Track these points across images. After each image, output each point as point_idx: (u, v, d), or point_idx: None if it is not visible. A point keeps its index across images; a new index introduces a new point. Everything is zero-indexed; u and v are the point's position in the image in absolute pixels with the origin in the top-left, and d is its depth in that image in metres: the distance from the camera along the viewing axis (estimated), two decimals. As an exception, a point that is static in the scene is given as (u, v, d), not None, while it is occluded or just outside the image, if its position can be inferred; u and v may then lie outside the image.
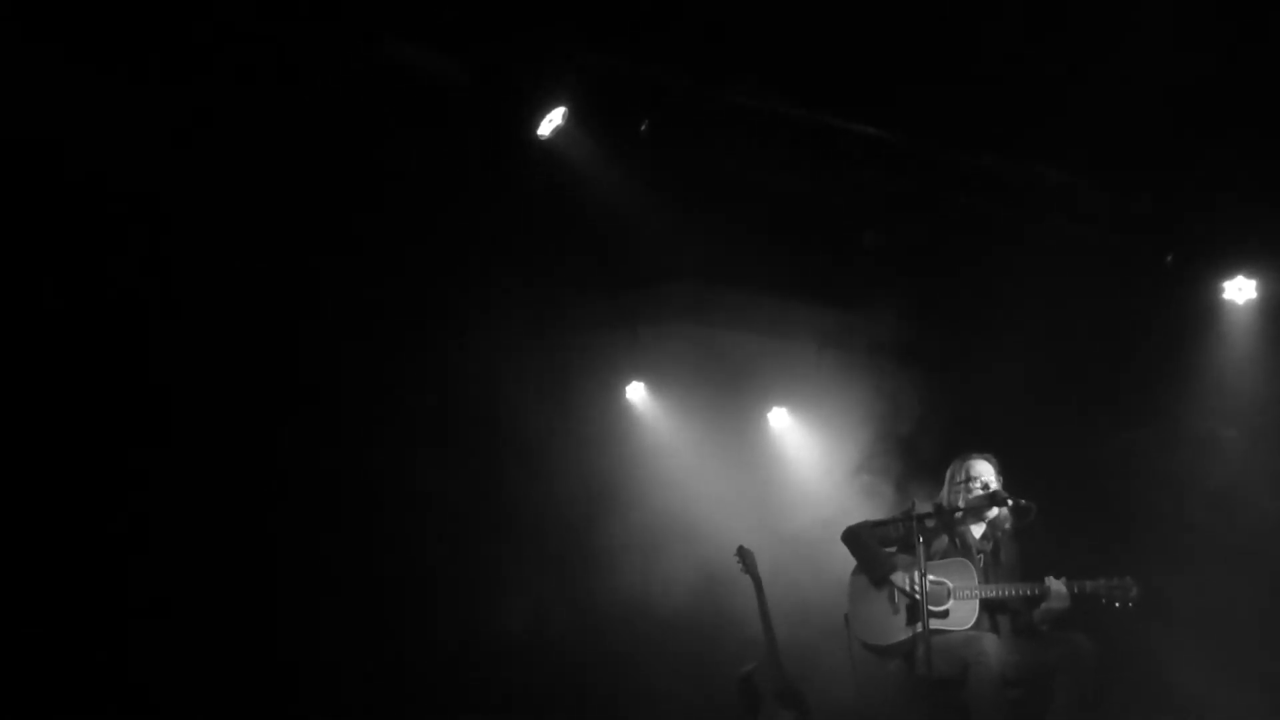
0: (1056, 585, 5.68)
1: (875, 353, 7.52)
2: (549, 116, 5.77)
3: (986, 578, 5.90)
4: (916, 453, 7.05)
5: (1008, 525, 5.98)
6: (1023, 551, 6.01)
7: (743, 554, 6.77)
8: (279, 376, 6.37)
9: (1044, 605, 5.69)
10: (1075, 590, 5.68)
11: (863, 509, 6.64)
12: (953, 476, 6.09)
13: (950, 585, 5.84)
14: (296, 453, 6.38)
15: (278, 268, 6.13)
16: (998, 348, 7.18)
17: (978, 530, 6.06)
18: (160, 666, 5.98)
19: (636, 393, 7.86)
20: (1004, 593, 5.81)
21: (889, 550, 6.05)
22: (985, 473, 6.00)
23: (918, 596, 5.66)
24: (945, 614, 5.79)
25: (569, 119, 5.78)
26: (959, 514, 5.95)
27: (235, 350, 6.19)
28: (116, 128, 5.35)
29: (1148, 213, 6.61)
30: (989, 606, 5.84)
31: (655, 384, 7.85)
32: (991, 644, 5.63)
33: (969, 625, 5.76)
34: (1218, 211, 6.55)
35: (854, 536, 6.13)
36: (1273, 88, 5.74)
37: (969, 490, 5.97)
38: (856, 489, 7.14)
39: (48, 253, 5.68)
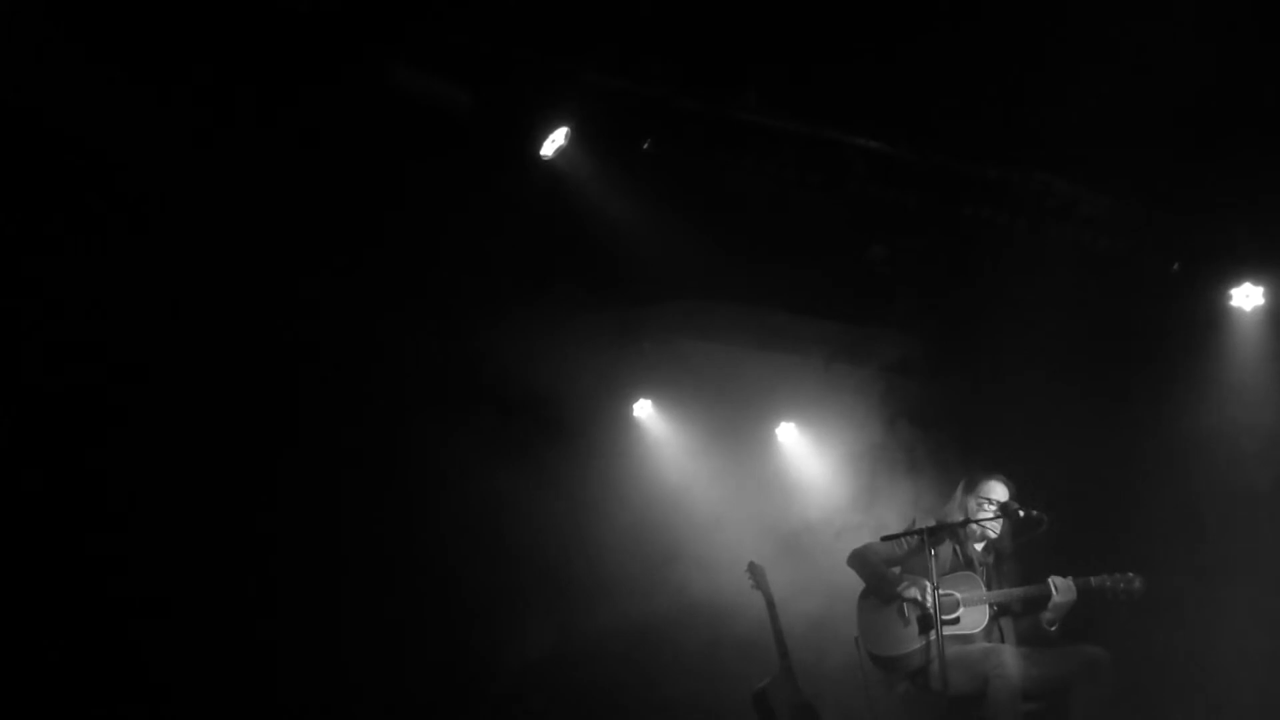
0: (1063, 581, 5.69)
1: (884, 366, 7.52)
2: (552, 137, 5.78)
3: (991, 585, 5.92)
4: (926, 464, 7.03)
5: (1009, 539, 5.98)
6: (1026, 559, 6.01)
7: (754, 570, 6.75)
8: (286, 396, 6.38)
9: (1051, 602, 5.68)
10: (1080, 586, 5.67)
11: (872, 524, 6.62)
12: (963, 493, 6.08)
13: (958, 595, 5.85)
14: (307, 467, 6.39)
15: (278, 283, 6.12)
16: (1006, 358, 7.16)
17: (979, 544, 6.06)
18: (162, 667, 5.98)
19: (644, 410, 7.84)
20: (1011, 595, 5.83)
21: (894, 569, 6.05)
22: (998, 493, 6.00)
23: (929, 607, 5.65)
24: (957, 620, 5.80)
25: (571, 139, 5.78)
26: (968, 529, 5.95)
27: (236, 354, 6.19)
28: (125, 133, 5.34)
29: (1154, 220, 6.60)
30: (997, 611, 5.85)
31: (663, 401, 7.83)
32: (1011, 656, 5.63)
33: (981, 628, 5.79)
34: (1225, 218, 6.55)
35: (860, 559, 6.14)
36: (1280, 94, 5.74)
37: (980, 509, 5.97)
38: (866, 502, 7.12)
39: (55, 248, 5.67)
